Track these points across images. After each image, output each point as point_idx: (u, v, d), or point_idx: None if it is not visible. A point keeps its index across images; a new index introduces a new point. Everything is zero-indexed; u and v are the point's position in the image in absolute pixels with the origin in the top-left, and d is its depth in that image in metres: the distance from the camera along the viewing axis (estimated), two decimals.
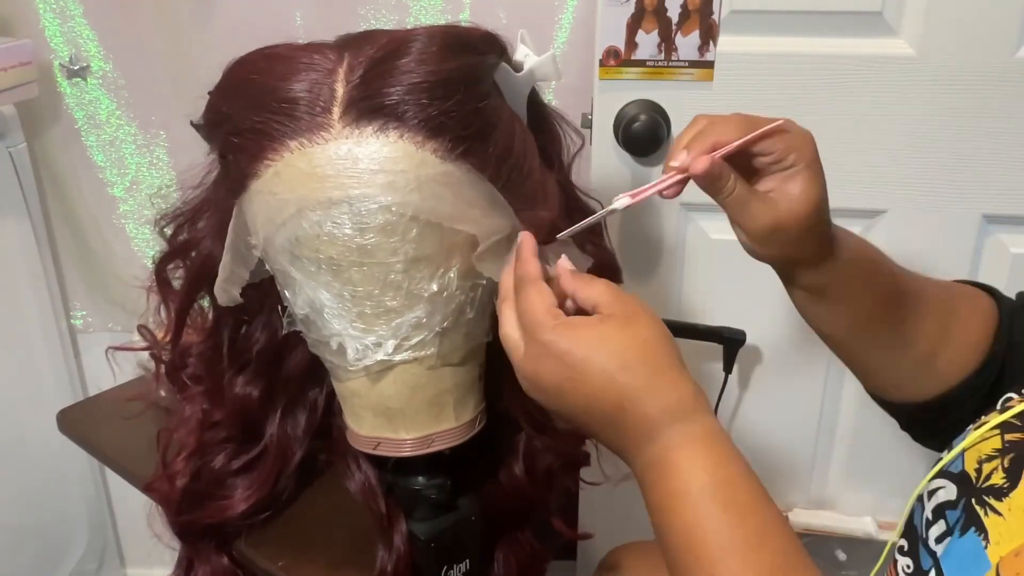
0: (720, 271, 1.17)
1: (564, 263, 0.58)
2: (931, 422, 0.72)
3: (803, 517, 1.28)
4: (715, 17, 1.04)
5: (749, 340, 1.15)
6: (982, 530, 0.51)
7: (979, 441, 0.57)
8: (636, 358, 0.52)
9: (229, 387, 0.72)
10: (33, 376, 1.36)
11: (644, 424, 0.51)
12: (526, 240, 0.57)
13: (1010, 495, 0.51)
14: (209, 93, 0.62)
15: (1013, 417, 0.57)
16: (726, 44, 1.05)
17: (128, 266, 1.35)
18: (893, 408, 0.75)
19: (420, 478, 0.67)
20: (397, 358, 0.60)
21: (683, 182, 0.60)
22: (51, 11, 1.22)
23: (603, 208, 0.62)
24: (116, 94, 1.27)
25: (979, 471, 0.55)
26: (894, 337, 0.69)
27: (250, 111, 0.57)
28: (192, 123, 0.64)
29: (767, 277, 1.18)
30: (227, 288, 0.64)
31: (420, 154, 0.55)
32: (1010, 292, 0.74)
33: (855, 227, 1.13)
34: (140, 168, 1.31)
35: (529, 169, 0.62)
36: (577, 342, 0.52)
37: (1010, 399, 0.60)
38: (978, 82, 1.02)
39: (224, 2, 1.20)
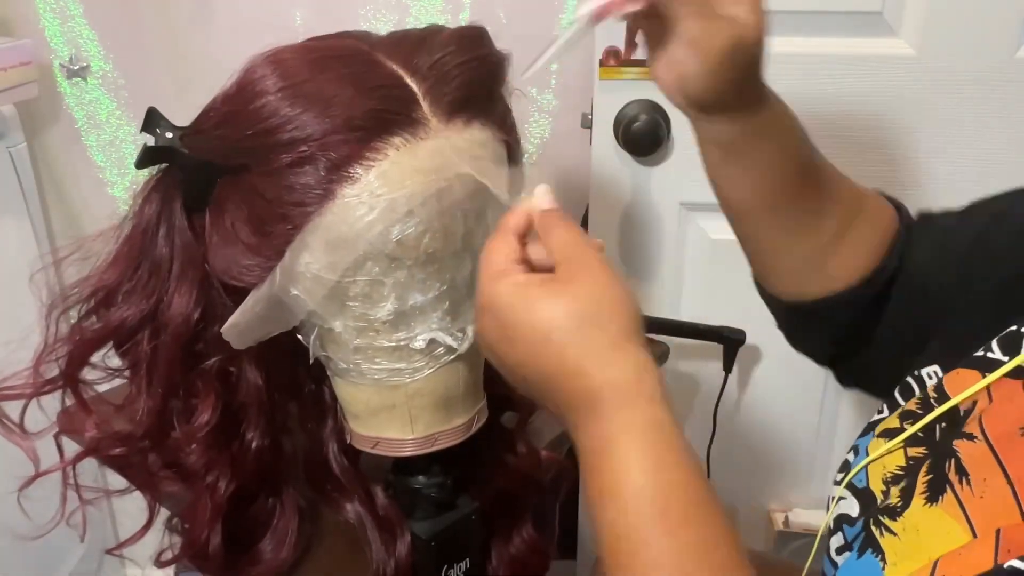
0: (720, 271, 1.17)
1: (540, 196, 0.54)
2: (806, 326, 0.71)
3: (803, 517, 1.28)
4: None
5: (749, 340, 1.15)
6: (879, 551, 0.49)
7: (883, 453, 0.55)
8: (580, 332, 0.47)
9: (241, 454, 0.67)
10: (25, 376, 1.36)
11: (583, 398, 0.47)
12: (538, 190, 0.55)
13: (903, 514, 0.50)
14: (222, 101, 0.58)
15: (907, 421, 0.56)
16: None
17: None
18: (773, 303, 0.73)
19: (421, 477, 0.67)
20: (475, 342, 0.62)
21: None
22: (51, 11, 1.22)
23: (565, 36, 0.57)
24: (116, 94, 1.27)
25: (886, 493, 0.53)
26: (796, 220, 0.66)
27: (337, 112, 0.54)
28: (181, 144, 0.59)
29: None
30: (245, 339, 0.61)
31: (494, 139, 0.60)
32: None
33: None
34: None
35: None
36: (516, 302, 0.49)
37: (908, 399, 0.59)
38: (978, 82, 1.03)
39: (224, 2, 1.20)
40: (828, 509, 0.59)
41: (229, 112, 0.57)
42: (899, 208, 0.70)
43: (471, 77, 0.58)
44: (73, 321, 0.68)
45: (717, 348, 1.16)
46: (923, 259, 0.66)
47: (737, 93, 0.59)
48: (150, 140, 0.59)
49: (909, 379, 0.59)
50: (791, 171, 0.64)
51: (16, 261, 1.31)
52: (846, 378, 0.75)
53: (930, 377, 0.58)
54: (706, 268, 1.18)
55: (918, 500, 0.49)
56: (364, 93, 0.54)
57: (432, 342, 0.61)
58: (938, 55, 1.02)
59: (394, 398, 0.63)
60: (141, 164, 0.60)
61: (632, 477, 0.45)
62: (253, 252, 0.57)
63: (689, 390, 1.27)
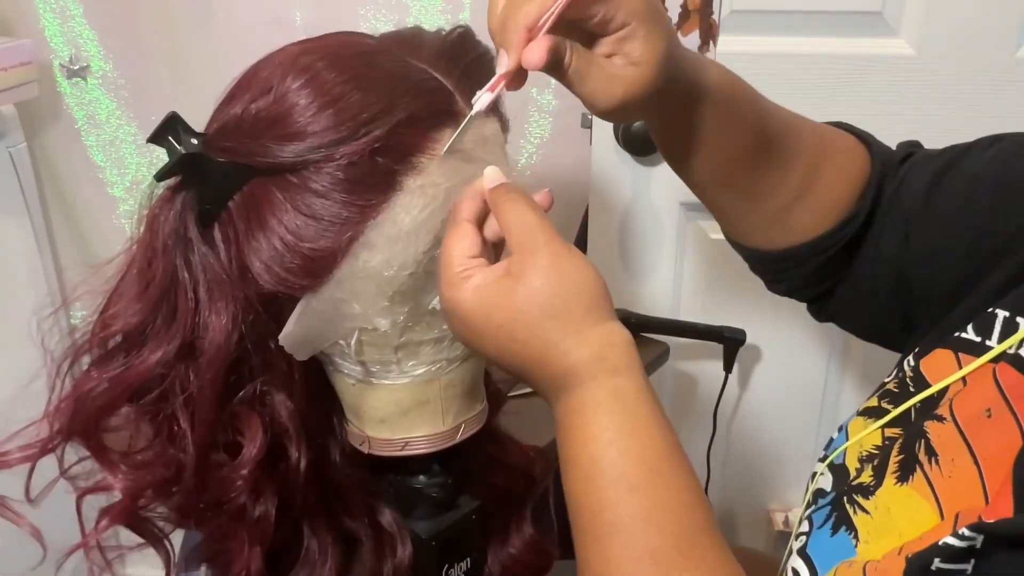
0: (720, 271, 1.17)
1: (491, 175, 0.54)
2: (778, 272, 0.71)
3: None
4: (715, 17, 1.04)
5: (749, 340, 1.15)
6: (852, 529, 0.51)
7: (862, 433, 0.57)
8: (544, 316, 0.49)
9: (289, 479, 0.62)
10: (33, 376, 1.36)
11: (557, 378, 0.49)
12: (487, 171, 0.55)
13: (876, 493, 0.51)
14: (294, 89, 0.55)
15: (886, 399, 0.57)
16: (726, 44, 1.05)
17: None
18: (742, 251, 0.73)
19: (422, 476, 0.67)
20: None
21: (522, 74, 0.53)
22: (51, 11, 1.22)
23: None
24: (116, 94, 1.27)
25: (859, 471, 0.55)
26: (750, 188, 0.66)
27: (400, 104, 0.54)
28: (208, 151, 0.55)
29: None
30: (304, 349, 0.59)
31: (501, 130, 0.62)
32: None
33: None
34: (140, 168, 1.31)
35: None
36: (478, 302, 0.50)
37: (884, 384, 0.60)
38: (978, 82, 1.03)
39: (224, 2, 1.20)
40: (807, 487, 0.60)
41: (276, 111, 0.55)
42: (870, 145, 0.69)
43: (484, 72, 0.59)
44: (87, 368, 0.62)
45: (717, 348, 1.16)
46: (907, 194, 0.65)
47: (650, 112, 0.60)
48: (161, 145, 0.55)
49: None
50: (740, 149, 0.63)
51: (16, 261, 1.31)
52: (820, 314, 0.75)
53: (910, 361, 0.59)
54: (706, 268, 1.18)
55: (890, 479, 0.50)
56: (416, 87, 0.56)
57: None
58: (938, 55, 1.02)
59: (429, 393, 0.63)
60: (170, 174, 0.55)
61: (591, 446, 0.48)
62: (307, 251, 0.55)
63: (689, 390, 1.27)
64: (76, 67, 1.25)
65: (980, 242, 0.59)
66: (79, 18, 1.23)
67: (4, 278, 1.30)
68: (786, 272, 0.70)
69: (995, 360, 0.50)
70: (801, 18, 1.04)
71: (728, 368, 1.16)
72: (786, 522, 1.28)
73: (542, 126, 1.24)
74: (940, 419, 0.50)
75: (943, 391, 0.53)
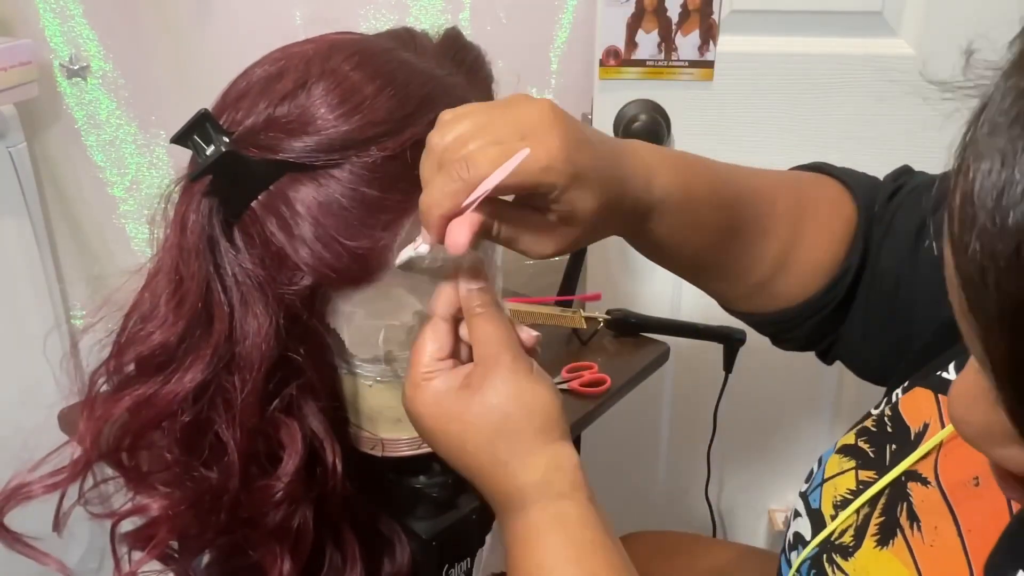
0: None
1: (467, 284, 0.53)
2: (773, 334, 0.71)
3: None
4: (715, 17, 1.04)
5: (749, 340, 1.15)
6: None
7: (838, 473, 0.56)
8: (499, 433, 0.50)
9: (327, 485, 0.60)
10: (33, 376, 1.36)
11: (509, 495, 0.50)
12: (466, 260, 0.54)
13: (855, 555, 0.50)
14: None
15: (863, 439, 0.56)
16: (726, 44, 1.05)
17: (128, 266, 1.35)
18: (737, 316, 0.72)
19: (421, 476, 0.67)
20: None
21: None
22: (51, 11, 1.22)
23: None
24: (116, 94, 1.27)
25: (834, 519, 0.54)
26: (725, 271, 0.65)
27: (435, 98, 0.56)
28: (237, 144, 0.53)
29: None
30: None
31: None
32: None
33: None
34: (140, 168, 1.31)
35: None
36: (436, 411, 0.51)
37: (867, 417, 0.59)
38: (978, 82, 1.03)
39: (224, 2, 1.20)
40: (789, 521, 0.60)
41: (308, 109, 0.54)
42: (852, 190, 0.66)
43: (484, 70, 0.60)
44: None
45: (717, 348, 1.16)
46: (893, 246, 0.64)
47: (600, 237, 0.57)
48: (186, 145, 0.53)
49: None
50: (707, 242, 0.62)
51: (16, 261, 1.31)
52: (826, 358, 0.74)
53: (892, 397, 0.58)
54: None
55: (869, 542, 0.50)
56: (443, 83, 0.57)
57: None
58: (938, 55, 1.02)
59: None
60: (207, 172, 0.52)
61: (539, 570, 0.48)
62: (350, 247, 0.54)
63: (689, 390, 1.27)
64: (76, 67, 1.25)
65: None
66: (79, 18, 1.23)
67: (4, 278, 1.30)
68: (784, 333, 0.69)
69: None
70: (801, 18, 1.04)
71: (728, 368, 1.16)
72: (786, 522, 1.28)
73: None
74: (924, 482, 0.49)
75: (920, 432, 0.52)
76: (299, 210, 0.54)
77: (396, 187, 0.54)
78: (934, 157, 1.18)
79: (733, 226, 0.62)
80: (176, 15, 1.21)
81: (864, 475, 0.55)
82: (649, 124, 1.07)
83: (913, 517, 0.48)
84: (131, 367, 0.57)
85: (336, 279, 0.55)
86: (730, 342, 1.14)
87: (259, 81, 0.56)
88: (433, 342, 0.53)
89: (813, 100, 1.07)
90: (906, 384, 0.57)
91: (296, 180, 0.54)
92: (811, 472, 0.60)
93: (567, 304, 1.12)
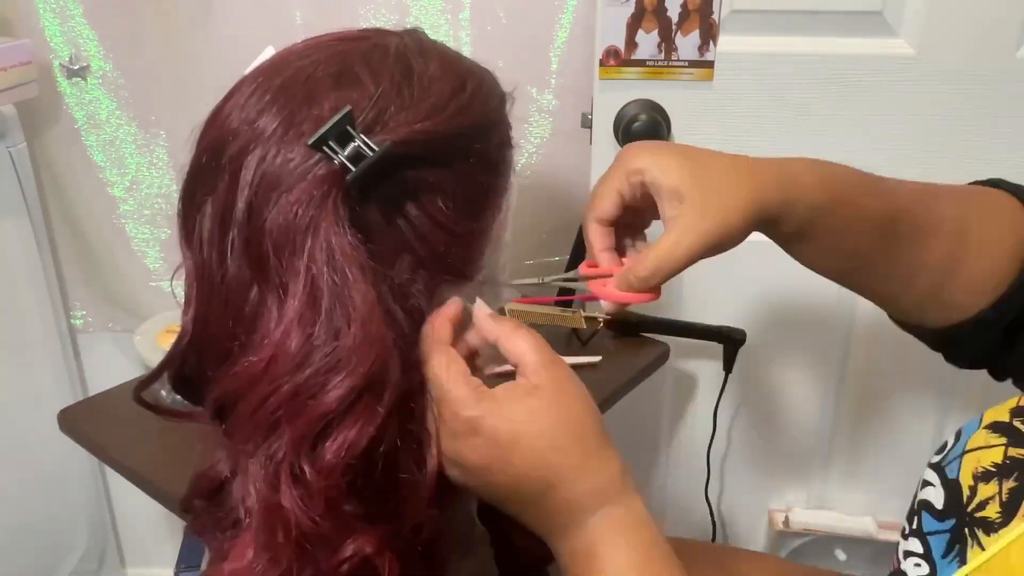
0: (720, 271, 1.17)
1: (481, 308, 0.53)
2: (950, 349, 0.69)
3: (803, 517, 1.28)
4: (715, 17, 1.04)
5: (749, 340, 1.15)
6: (964, 562, 0.49)
7: (983, 446, 0.54)
8: (568, 437, 0.49)
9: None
10: (33, 376, 1.36)
11: (572, 507, 0.49)
12: (478, 305, 0.53)
13: (999, 532, 0.48)
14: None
15: (1019, 418, 0.53)
16: (726, 44, 1.05)
17: (128, 266, 1.35)
18: (908, 330, 0.71)
19: None
20: None
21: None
22: (51, 11, 1.22)
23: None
24: (116, 94, 1.27)
25: (973, 490, 0.52)
26: (890, 275, 0.64)
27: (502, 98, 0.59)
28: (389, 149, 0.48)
29: (767, 277, 1.18)
30: None
31: None
32: None
33: None
34: (140, 168, 1.31)
35: None
36: (505, 419, 0.48)
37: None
38: (978, 82, 1.03)
39: (224, 2, 1.20)
40: (916, 491, 0.57)
41: (446, 112, 0.52)
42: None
43: None
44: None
45: (717, 348, 1.16)
46: None
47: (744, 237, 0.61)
48: (321, 147, 0.48)
49: None
50: (867, 245, 0.62)
51: (16, 261, 1.31)
52: (999, 375, 0.71)
53: None
54: (707, 268, 1.18)
55: (1019, 521, 0.47)
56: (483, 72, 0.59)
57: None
58: (938, 55, 1.02)
59: None
60: (370, 172, 0.48)
61: (621, 571, 0.48)
62: (477, 233, 0.55)
63: (689, 390, 1.27)
64: (76, 67, 1.25)
65: None
66: (79, 18, 1.23)
67: (4, 278, 1.30)
68: (961, 350, 0.68)
69: None
70: (801, 18, 1.04)
71: (728, 368, 1.16)
72: (786, 522, 1.28)
73: (542, 126, 1.24)
74: None
75: None
76: (420, 202, 0.51)
77: (500, 172, 0.57)
78: (934, 157, 1.18)
79: (887, 227, 0.62)
80: (176, 15, 1.21)
81: (1015, 452, 0.52)
82: (649, 124, 1.06)
83: None
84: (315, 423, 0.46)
85: (453, 271, 0.53)
86: (730, 342, 1.14)
87: (324, 77, 0.52)
88: (457, 361, 0.51)
89: (813, 100, 1.07)
90: None
91: (420, 174, 0.51)
92: (945, 445, 0.56)
93: (567, 304, 1.12)
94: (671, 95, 1.08)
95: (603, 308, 0.61)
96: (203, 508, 0.55)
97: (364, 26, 1.20)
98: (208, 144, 0.52)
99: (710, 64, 1.06)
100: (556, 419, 0.49)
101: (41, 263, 1.34)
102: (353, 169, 0.47)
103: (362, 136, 0.48)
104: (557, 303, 1.12)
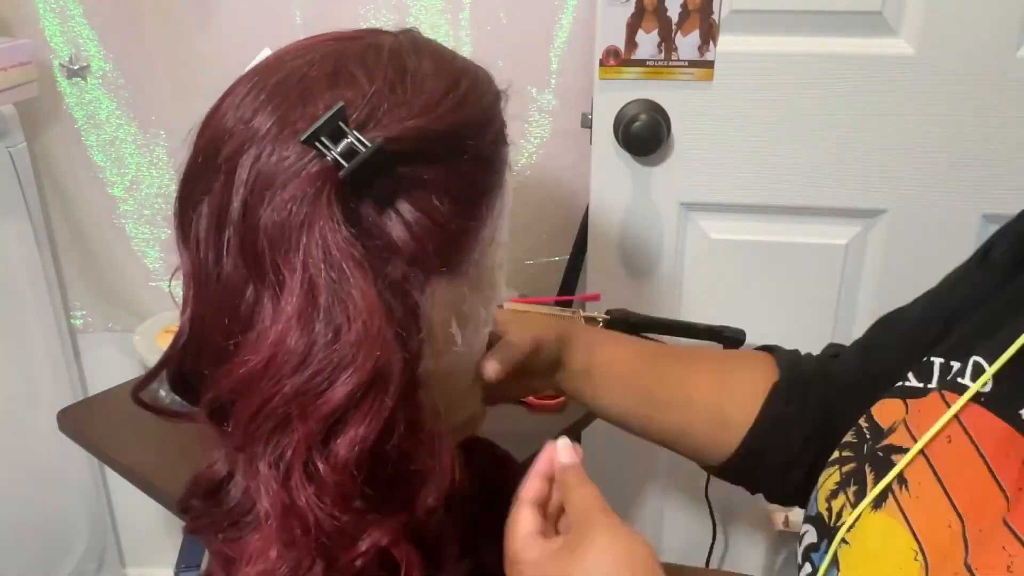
0: (720, 271, 1.17)
1: (562, 450, 0.59)
2: (750, 477, 0.75)
3: (803, 517, 1.28)
4: (715, 17, 1.04)
5: (749, 339, 1.15)
6: (837, 565, 0.54)
7: (825, 480, 0.60)
8: None
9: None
10: (33, 376, 1.36)
11: None
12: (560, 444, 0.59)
13: (856, 526, 0.54)
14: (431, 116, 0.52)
15: (844, 448, 0.60)
16: (726, 44, 1.05)
17: (128, 266, 1.35)
18: (718, 473, 0.77)
19: None
20: None
21: None
22: (51, 11, 1.22)
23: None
24: (116, 94, 1.27)
25: (830, 510, 0.57)
26: (670, 403, 0.74)
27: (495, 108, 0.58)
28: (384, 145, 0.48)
29: (767, 277, 1.18)
30: None
31: None
32: None
33: (855, 227, 1.14)
34: (140, 168, 1.31)
35: None
36: (533, 572, 0.53)
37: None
38: (978, 82, 1.03)
39: (224, 2, 1.20)
40: (798, 552, 0.62)
41: (444, 111, 0.52)
42: (778, 360, 0.76)
43: None
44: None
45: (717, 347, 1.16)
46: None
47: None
48: (313, 142, 0.48)
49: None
50: (636, 400, 0.74)
51: (16, 261, 1.31)
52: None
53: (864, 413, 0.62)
54: (706, 268, 1.18)
55: (866, 509, 0.54)
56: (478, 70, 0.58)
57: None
58: (938, 55, 1.02)
59: None
60: (362, 169, 0.48)
61: None
62: (471, 230, 0.55)
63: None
64: (76, 67, 1.25)
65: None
66: (79, 18, 1.23)
67: (4, 278, 1.30)
68: (758, 469, 0.74)
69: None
70: (801, 18, 1.04)
71: None
72: (786, 522, 1.28)
73: (542, 126, 1.24)
74: (904, 450, 0.54)
75: (891, 428, 0.57)
76: (414, 199, 0.51)
77: (491, 169, 0.57)
78: (934, 156, 1.18)
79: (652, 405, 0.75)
80: (176, 15, 1.21)
81: (847, 467, 0.58)
82: (649, 124, 1.06)
83: (901, 480, 0.52)
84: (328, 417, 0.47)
85: (434, 270, 0.52)
86: (730, 342, 1.14)
87: (319, 77, 0.51)
88: (526, 523, 0.55)
89: (813, 100, 1.06)
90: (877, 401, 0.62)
91: (415, 172, 0.51)
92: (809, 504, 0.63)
93: (567, 304, 1.12)
94: (671, 95, 1.08)
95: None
96: (201, 508, 0.55)
97: (363, 26, 1.20)
98: (204, 144, 0.52)
99: (710, 64, 1.06)
100: (585, 573, 0.51)
101: (41, 263, 1.34)
102: (346, 165, 0.47)
103: (355, 132, 0.48)
104: (556, 303, 1.12)
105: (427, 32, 0.63)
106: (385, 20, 1.21)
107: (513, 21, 1.17)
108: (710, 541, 1.29)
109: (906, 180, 1.09)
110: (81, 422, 0.98)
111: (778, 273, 1.16)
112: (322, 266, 0.46)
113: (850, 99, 1.06)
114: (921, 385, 0.57)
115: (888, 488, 0.53)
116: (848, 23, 1.03)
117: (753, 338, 1.17)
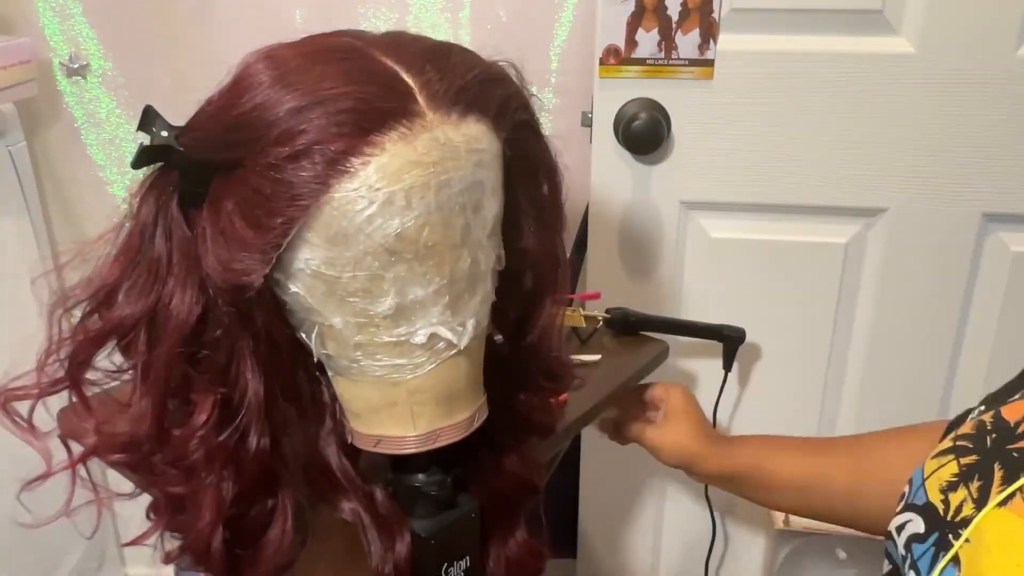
0: (720, 270, 1.17)
1: None
2: None
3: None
4: (715, 15, 1.04)
5: (748, 338, 1.15)
6: (958, 564, 0.51)
7: (937, 469, 0.57)
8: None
9: (243, 455, 0.64)
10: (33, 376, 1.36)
11: None
12: None
13: (975, 521, 0.51)
14: (210, 101, 0.58)
15: (961, 440, 0.57)
16: (726, 42, 1.05)
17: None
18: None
19: (421, 475, 0.67)
20: (474, 336, 0.63)
21: None
22: (50, 9, 1.22)
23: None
24: (116, 92, 1.27)
25: (946, 502, 0.55)
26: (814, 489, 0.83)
27: (332, 105, 0.53)
28: (177, 142, 0.58)
29: (767, 275, 1.18)
30: None
31: (489, 134, 0.60)
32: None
33: (855, 226, 1.14)
34: None
35: None
36: None
37: (957, 423, 0.61)
38: (978, 81, 1.03)
39: (224, 2, 1.20)
40: (893, 541, 0.59)
41: (223, 107, 0.57)
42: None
43: (466, 70, 0.58)
44: (76, 322, 0.67)
45: (717, 347, 1.16)
46: None
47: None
48: (147, 139, 0.58)
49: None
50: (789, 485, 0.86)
51: (16, 260, 1.31)
52: None
53: (980, 411, 0.60)
54: (706, 267, 1.18)
55: (991, 505, 0.51)
56: (360, 86, 0.54)
57: (433, 337, 0.61)
58: (938, 54, 1.02)
59: (395, 395, 0.62)
60: (137, 164, 0.59)
61: None
62: (248, 249, 0.56)
63: (688, 388, 1.27)
64: (76, 66, 1.25)
65: None
66: (79, 16, 1.23)
67: (4, 278, 1.30)
68: None
69: None
70: (801, 16, 1.04)
71: (728, 367, 1.16)
72: (786, 521, 1.28)
73: (542, 125, 1.24)
74: None
75: (1019, 422, 0.53)
76: (219, 209, 0.58)
77: (287, 193, 0.55)
78: (934, 155, 1.18)
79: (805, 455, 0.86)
80: (176, 13, 1.21)
81: (966, 460, 0.55)
82: (649, 123, 1.06)
83: None
84: (86, 305, 0.66)
85: (233, 284, 0.58)
86: (730, 341, 1.14)
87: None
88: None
89: (813, 98, 1.06)
90: (982, 406, 0.60)
91: (223, 178, 0.58)
92: (904, 494, 0.60)
93: (567, 303, 1.12)
94: (671, 94, 1.08)
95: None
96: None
97: (364, 26, 1.20)
98: None
99: (710, 63, 1.06)
100: None
101: (41, 262, 1.34)
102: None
103: (154, 128, 0.58)
104: None
105: (427, 31, 0.63)
106: (385, 19, 1.21)
107: (513, 20, 1.17)
108: (710, 541, 1.29)
109: (906, 179, 1.09)
110: (81, 425, 0.98)
111: (778, 272, 1.16)
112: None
113: (850, 97, 1.06)
114: None
115: (1015, 485, 0.50)
116: (849, 22, 1.03)
117: (752, 336, 1.17)
